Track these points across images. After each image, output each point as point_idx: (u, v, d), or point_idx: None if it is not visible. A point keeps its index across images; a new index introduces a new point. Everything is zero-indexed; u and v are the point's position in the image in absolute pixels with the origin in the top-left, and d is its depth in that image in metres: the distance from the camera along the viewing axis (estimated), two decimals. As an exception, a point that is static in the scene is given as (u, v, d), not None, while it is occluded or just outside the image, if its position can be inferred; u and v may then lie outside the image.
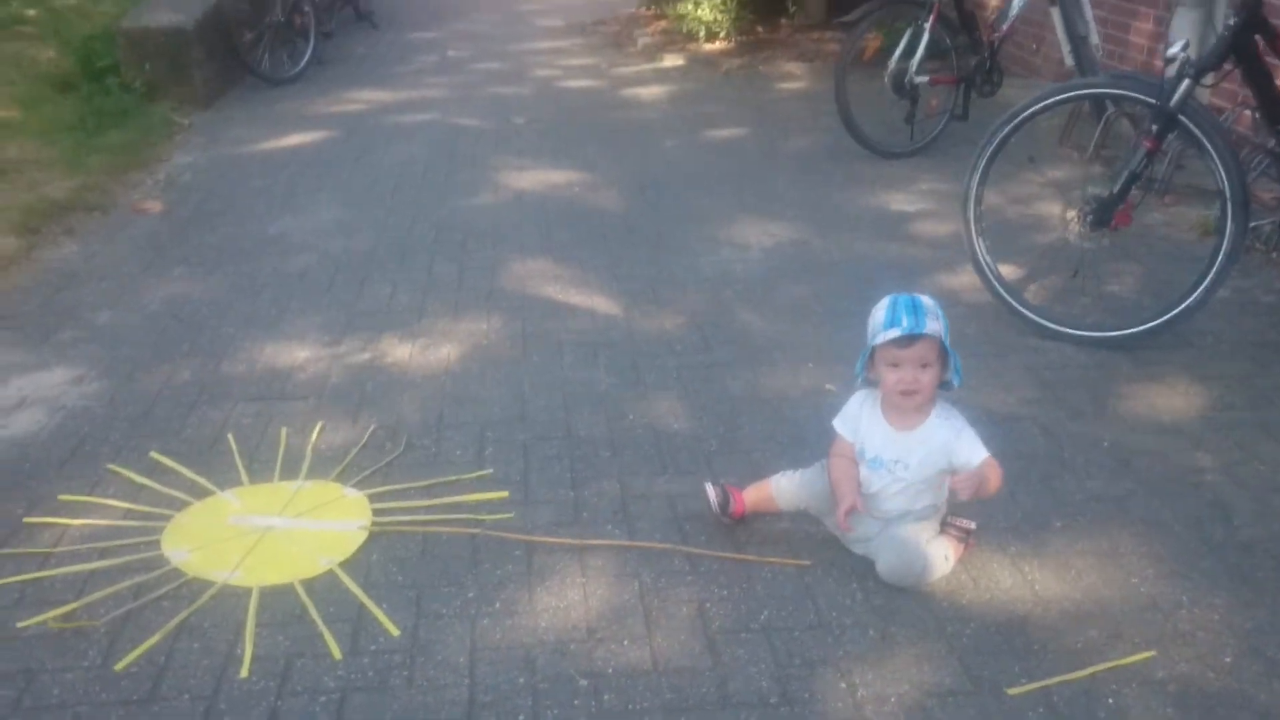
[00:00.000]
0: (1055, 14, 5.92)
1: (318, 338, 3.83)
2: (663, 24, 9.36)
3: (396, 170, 5.83)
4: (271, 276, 4.39)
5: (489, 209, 5.21)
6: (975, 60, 6.04)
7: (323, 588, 2.51)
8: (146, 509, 2.81)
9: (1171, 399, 3.36)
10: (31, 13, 8.98)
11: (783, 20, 9.30)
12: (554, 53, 9.12)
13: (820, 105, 6.84)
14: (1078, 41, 5.84)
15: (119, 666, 2.26)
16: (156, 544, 2.66)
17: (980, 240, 3.85)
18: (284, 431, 3.20)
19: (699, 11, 8.66)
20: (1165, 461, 3.01)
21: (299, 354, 3.71)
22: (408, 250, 4.68)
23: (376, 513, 2.79)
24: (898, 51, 5.83)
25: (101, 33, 7.43)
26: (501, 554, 2.63)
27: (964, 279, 4.21)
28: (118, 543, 2.67)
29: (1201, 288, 3.48)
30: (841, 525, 2.49)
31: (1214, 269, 3.45)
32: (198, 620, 2.40)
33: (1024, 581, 2.51)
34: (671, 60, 8.58)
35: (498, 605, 2.44)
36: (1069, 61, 5.97)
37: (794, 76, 8.01)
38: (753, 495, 2.66)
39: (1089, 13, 5.87)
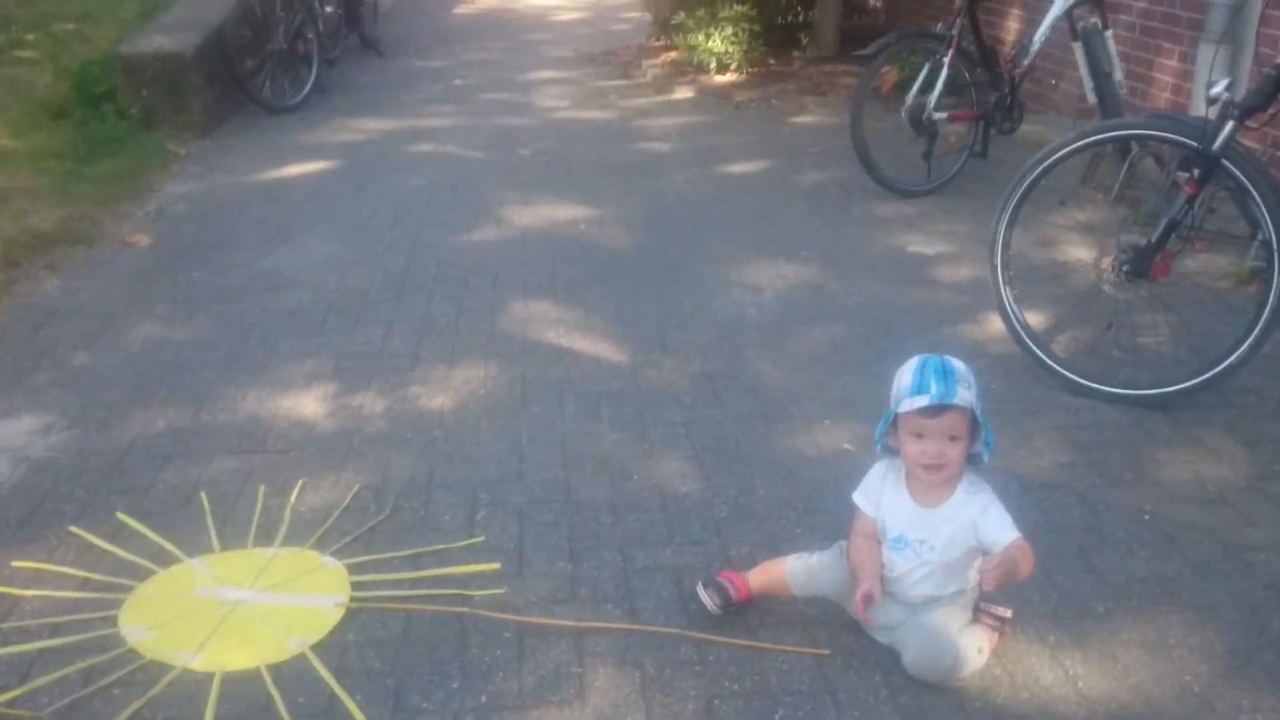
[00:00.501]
0: (1078, 49, 5.72)
1: (305, 384, 3.61)
2: (673, 55, 9.19)
3: (397, 203, 5.63)
4: (261, 315, 4.18)
5: (492, 245, 5.01)
6: (995, 96, 5.84)
7: (292, 674, 2.28)
8: (107, 579, 2.59)
9: (1216, 466, 3.12)
10: (31, 37, 8.82)
11: (795, 53, 9.13)
12: (562, 83, 8.95)
13: (835, 140, 6.64)
14: (1101, 78, 5.64)
15: (61, 766, 2.04)
16: (114, 620, 2.44)
17: (1008, 289, 3.63)
18: (262, 490, 2.97)
19: (710, 43, 8.48)
20: (1213, 537, 2.78)
21: (283, 402, 3.49)
22: (405, 288, 4.47)
23: (355, 586, 2.57)
24: (915, 86, 5.63)
25: (99, 58, 7.27)
26: (491, 635, 2.40)
27: (989, 328, 3.99)
28: (72, 618, 2.45)
29: (1245, 345, 3.25)
30: (860, 615, 2.25)
31: (1259, 325, 3.22)
32: (151, 713, 2.18)
33: (1065, 678, 2.28)
34: (682, 92, 8.40)
35: (484, 699, 2.21)
36: (1091, 98, 5.77)
37: (807, 110, 7.82)
38: (761, 578, 2.42)
39: (1113, 48, 5.67)
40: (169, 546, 2.71)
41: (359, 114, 7.70)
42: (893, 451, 2.28)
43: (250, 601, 2.51)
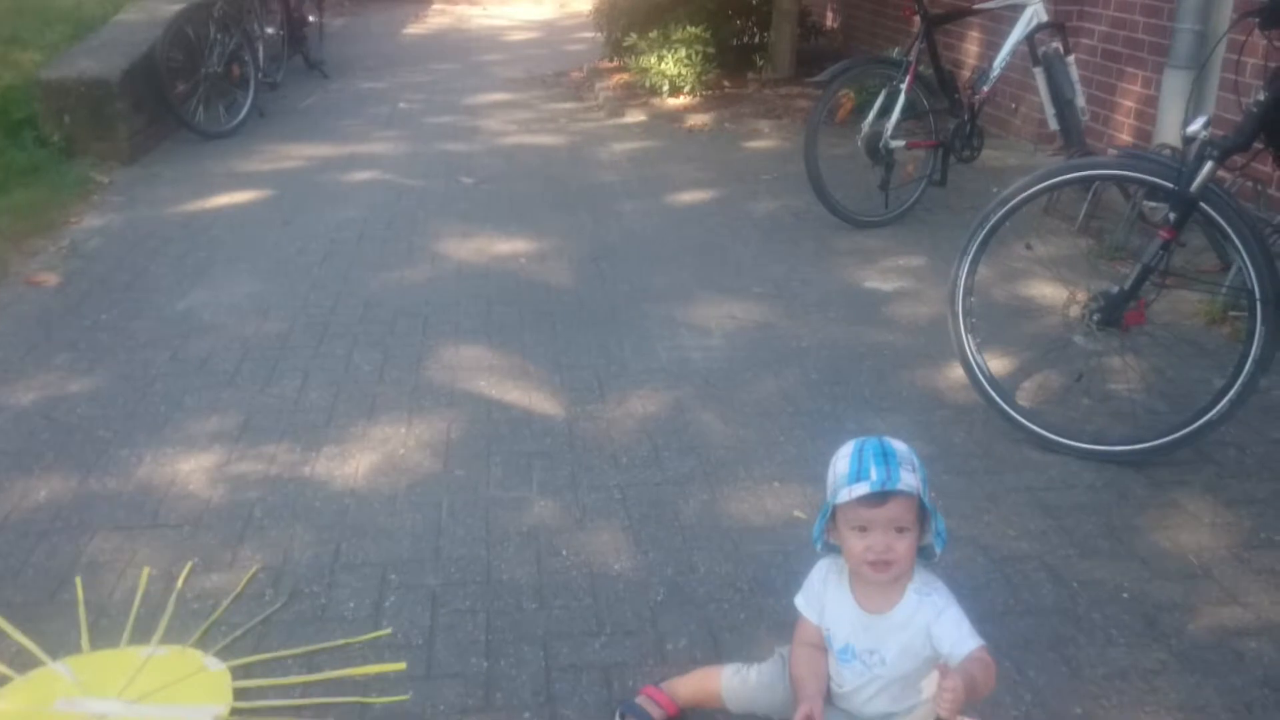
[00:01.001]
0: (1039, 75, 5.53)
1: (207, 444, 3.30)
2: (625, 77, 8.94)
3: (328, 236, 5.32)
4: (168, 365, 3.86)
5: (425, 283, 4.71)
6: (954, 123, 5.63)
7: (154, 810, 1.98)
8: (-48, 689, 2.27)
9: (1196, 533, 2.88)
10: (-47, 59, 8.42)
11: (750, 74, 8.91)
12: (511, 106, 8.66)
13: (789, 165, 6.41)
14: (1063, 104, 5.45)
15: None
16: (-47, 742, 2.12)
17: (969, 337, 3.38)
18: (145, 573, 2.66)
19: (662, 65, 8.24)
20: (1198, 619, 2.53)
21: (182, 466, 3.17)
22: (328, 333, 4.16)
23: (239, 694, 2.26)
24: (872, 113, 5.41)
25: (20, 83, 6.90)
26: (390, 754, 2.11)
27: (949, 374, 3.75)
28: (-96, 740, 2.13)
29: (1227, 399, 3.01)
30: (800, 739, 1.96)
31: (1241, 378, 2.98)
32: None
33: (1041, 798, 2.01)
34: (634, 115, 8.15)
35: (374, 841, 1.92)
36: (1053, 125, 5.58)
37: (761, 134, 7.59)
38: (692, 689, 2.14)
39: (1075, 74, 5.48)
40: (30, 646, 2.39)
41: (297, 139, 7.38)
42: (834, 549, 2.00)
43: (115, 715, 2.20)
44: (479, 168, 6.72)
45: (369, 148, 7.21)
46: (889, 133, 5.31)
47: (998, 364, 3.62)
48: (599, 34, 9.55)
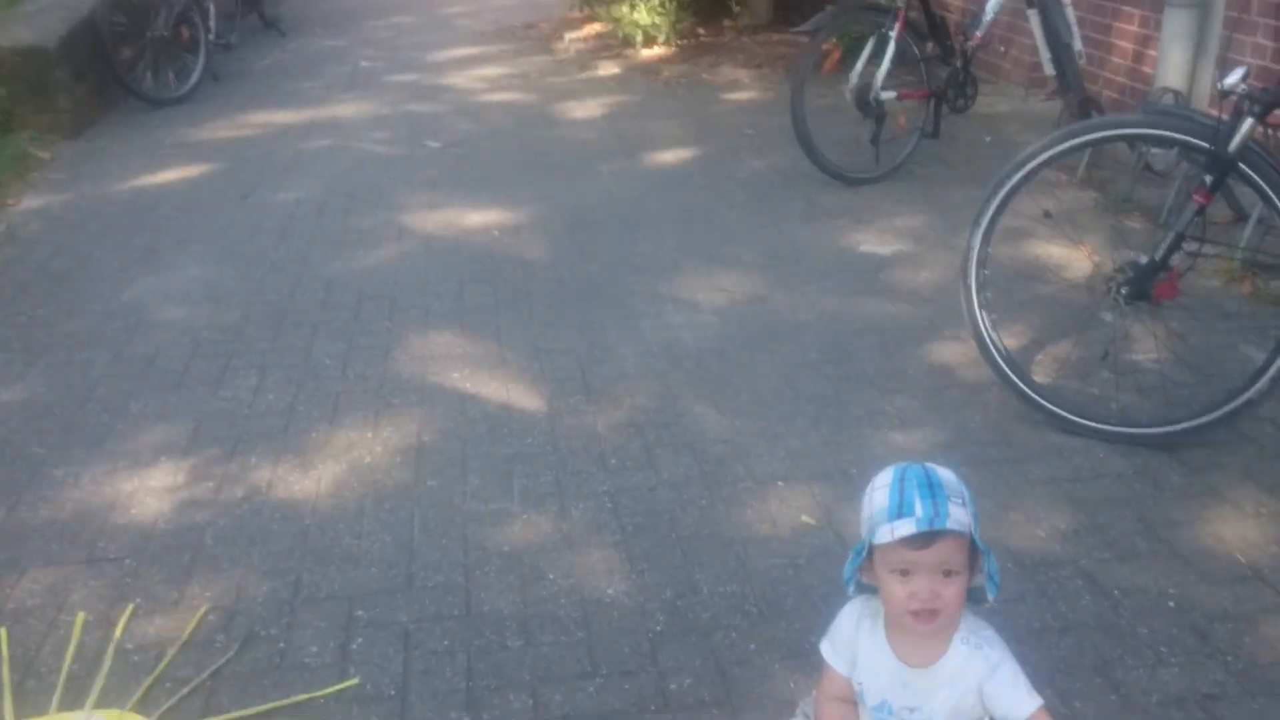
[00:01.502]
0: (1034, 18, 5.22)
1: (151, 459, 3.00)
2: (597, 28, 8.55)
3: (286, 213, 4.98)
4: (110, 365, 3.55)
5: (391, 262, 4.39)
6: (947, 71, 5.32)
7: None
8: None
9: (1239, 524, 2.63)
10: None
11: (726, 21, 8.53)
12: (479, 61, 8.27)
13: (772, 119, 6.08)
14: (1060, 49, 5.15)
15: None
16: None
17: (984, 313, 3.10)
18: (80, 619, 2.37)
19: (635, 14, 7.86)
20: (1254, 631, 2.28)
21: (124, 486, 2.88)
22: (286, 321, 3.85)
23: (186, 768, 1.99)
24: (860, 63, 5.09)
25: (-48, 53, 6.48)
26: (359, 837, 1.84)
27: (959, 350, 3.48)
28: None
29: (1267, 376, 2.75)
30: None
31: (1283, 353, 2.72)
32: None
33: None
34: (607, 69, 7.78)
35: None
36: (1049, 70, 5.27)
37: (741, 85, 7.25)
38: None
39: (1072, 16, 5.17)
40: (-53, 716, 2.11)
41: (252, 105, 6.99)
42: (868, 589, 1.72)
43: (42, 801, 1.93)
44: (446, 130, 6.36)
45: (329, 111, 6.83)
46: (879, 83, 5.00)
47: (1014, 342, 3.35)
48: (567, -18, 9.14)
